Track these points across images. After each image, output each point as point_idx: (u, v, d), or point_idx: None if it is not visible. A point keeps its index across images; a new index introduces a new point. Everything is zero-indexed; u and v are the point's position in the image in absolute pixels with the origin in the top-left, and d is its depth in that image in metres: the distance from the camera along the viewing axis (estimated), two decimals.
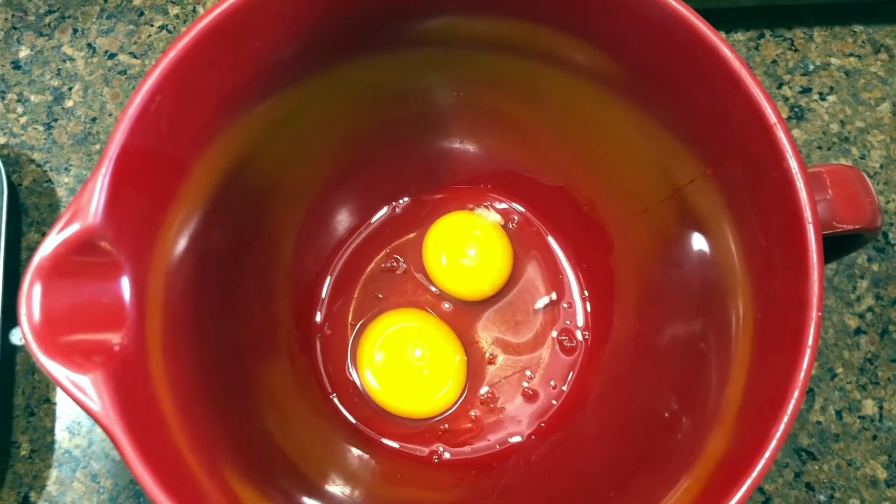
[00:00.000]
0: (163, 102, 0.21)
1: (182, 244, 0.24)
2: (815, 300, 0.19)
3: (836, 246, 0.23)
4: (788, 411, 0.19)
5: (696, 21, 0.21)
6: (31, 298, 0.19)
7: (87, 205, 0.20)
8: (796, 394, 0.19)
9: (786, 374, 0.19)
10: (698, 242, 0.24)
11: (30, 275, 0.19)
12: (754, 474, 0.18)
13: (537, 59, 0.25)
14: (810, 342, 0.19)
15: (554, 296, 0.30)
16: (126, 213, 0.21)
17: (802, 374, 0.19)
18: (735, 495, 0.18)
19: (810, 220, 0.20)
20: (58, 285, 0.20)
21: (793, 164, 0.20)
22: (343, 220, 0.30)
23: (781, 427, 0.18)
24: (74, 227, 0.20)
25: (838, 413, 0.30)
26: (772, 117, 0.20)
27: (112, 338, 0.20)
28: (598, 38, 0.23)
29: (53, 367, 0.19)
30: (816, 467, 0.30)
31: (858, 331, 0.31)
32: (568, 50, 0.24)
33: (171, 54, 0.21)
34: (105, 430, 0.19)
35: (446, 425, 0.29)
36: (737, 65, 0.21)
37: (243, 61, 0.23)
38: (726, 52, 0.21)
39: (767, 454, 0.18)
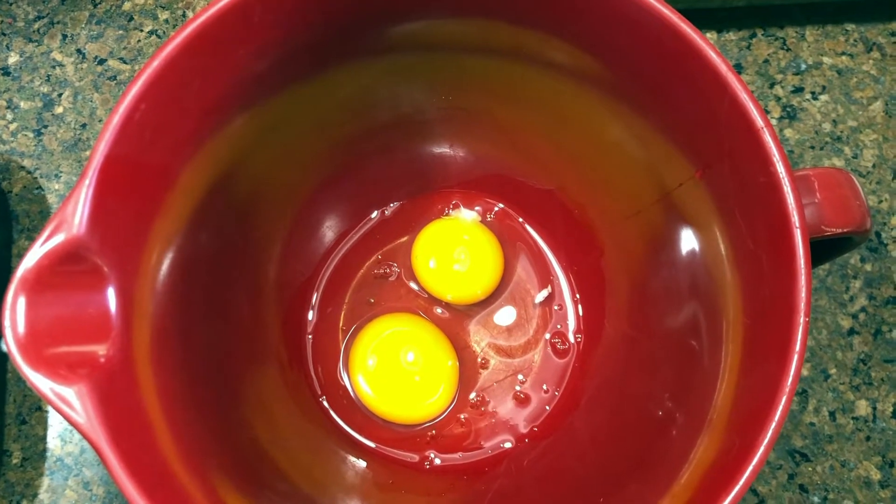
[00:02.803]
0: (147, 111, 0.21)
1: (169, 253, 0.23)
2: (802, 305, 0.19)
3: (825, 249, 0.23)
4: (776, 417, 0.18)
5: (683, 25, 0.21)
6: (16, 311, 0.19)
7: (71, 215, 0.20)
8: (784, 399, 0.19)
9: (774, 379, 0.19)
10: (688, 246, 0.24)
11: (13, 287, 0.19)
12: (742, 480, 0.18)
13: (525, 63, 0.25)
14: (798, 347, 0.19)
15: (549, 289, 0.30)
16: (111, 223, 0.21)
17: (790, 379, 0.19)
18: (724, 501, 0.18)
19: (797, 224, 0.19)
20: (42, 297, 0.20)
21: (780, 168, 0.20)
22: (332, 225, 0.30)
23: (769, 433, 0.18)
24: (59, 238, 0.20)
25: (832, 414, 0.30)
26: (759, 121, 0.20)
27: (97, 349, 0.20)
28: (585, 42, 0.23)
29: (38, 380, 0.19)
30: (810, 469, 0.30)
31: (852, 331, 0.31)
32: (556, 53, 0.24)
33: (155, 63, 0.21)
34: (90, 442, 0.19)
35: (433, 431, 0.29)
36: (723, 68, 0.20)
37: (228, 69, 0.22)
38: (713, 55, 0.20)
39: (756, 460, 0.18)
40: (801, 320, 0.19)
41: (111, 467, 0.19)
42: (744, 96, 0.20)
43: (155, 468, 0.20)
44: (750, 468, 0.18)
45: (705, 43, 0.21)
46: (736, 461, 0.19)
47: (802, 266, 0.19)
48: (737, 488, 0.18)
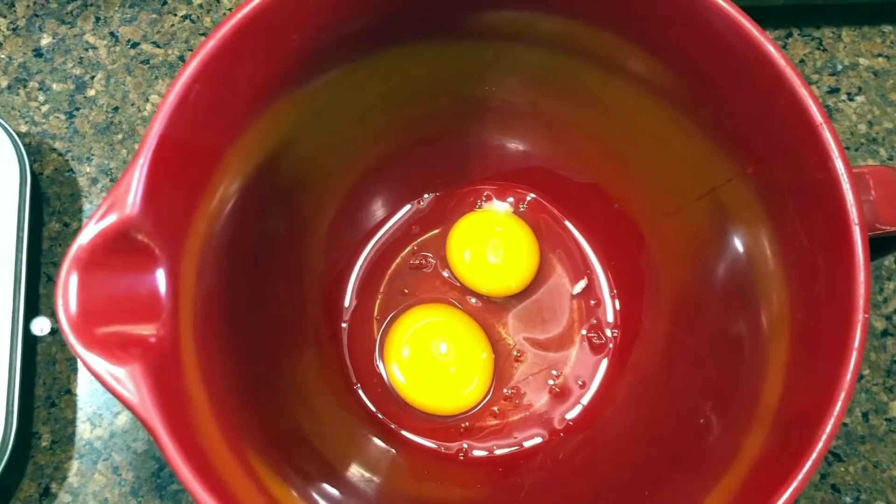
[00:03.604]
0: (201, 93, 0.21)
1: (213, 234, 0.23)
2: (861, 302, 0.19)
3: (875, 247, 0.23)
4: (835, 413, 0.18)
5: (741, 18, 0.21)
6: (68, 289, 0.19)
7: (124, 195, 0.20)
8: (843, 395, 0.19)
9: (831, 376, 0.19)
10: (733, 241, 0.24)
11: (66, 265, 0.19)
12: (801, 475, 0.18)
13: (572, 55, 0.24)
14: (857, 344, 0.19)
15: (586, 280, 0.30)
16: (162, 203, 0.21)
17: (849, 376, 0.19)
18: (783, 495, 0.18)
19: (856, 221, 0.19)
20: (94, 276, 0.19)
21: (839, 164, 0.20)
22: (370, 214, 0.30)
23: (828, 428, 0.18)
24: (112, 218, 0.20)
25: (864, 415, 0.30)
26: (817, 117, 0.20)
27: (148, 330, 0.20)
28: (640, 37, 0.23)
29: (92, 359, 0.19)
30: (842, 469, 0.29)
31: (885, 333, 0.31)
32: (606, 47, 0.24)
33: (210, 44, 0.21)
34: (143, 422, 0.19)
35: (467, 423, 0.29)
36: (782, 63, 0.20)
37: (280, 51, 0.22)
38: (771, 49, 0.20)
39: (814, 455, 0.18)
40: (861, 317, 0.19)
41: (165, 448, 0.18)
42: (802, 91, 0.20)
43: (203, 450, 0.20)
44: (809, 463, 0.18)
45: (763, 37, 0.20)
46: (793, 458, 0.18)
47: (861, 263, 0.19)
48: (795, 483, 0.18)
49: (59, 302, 0.19)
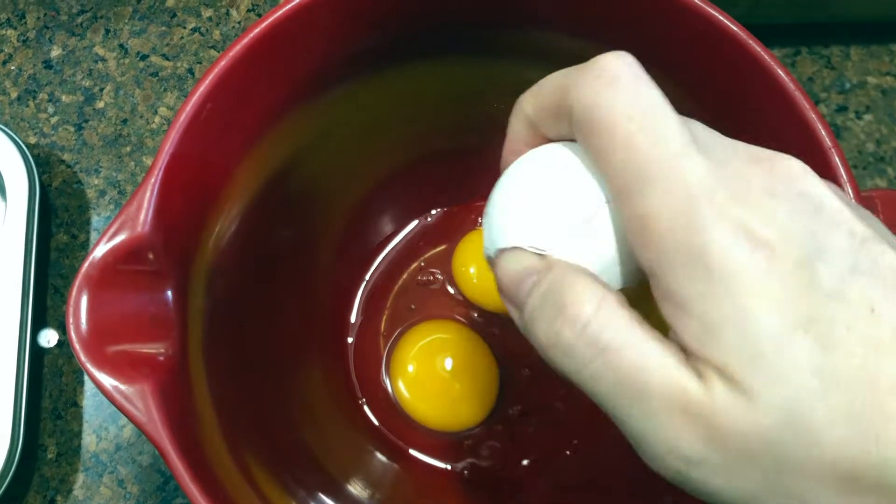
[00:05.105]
0: (212, 111, 0.21)
1: (222, 250, 0.23)
2: None
3: None
4: None
5: (750, 41, 0.21)
6: (79, 307, 0.19)
7: (136, 214, 0.20)
8: None
9: None
10: None
11: (78, 283, 0.19)
12: None
13: None
14: None
15: None
16: (173, 221, 0.21)
17: None
18: None
19: None
20: (105, 294, 0.19)
21: (847, 189, 0.20)
22: (378, 229, 0.30)
23: None
24: (123, 236, 0.20)
25: None
26: (826, 141, 0.20)
27: (158, 348, 0.20)
28: (651, 58, 0.23)
29: (102, 378, 0.19)
30: None
31: None
32: None
33: (223, 63, 0.21)
34: (152, 440, 0.19)
35: (471, 441, 0.29)
36: (791, 87, 0.20)
37: (292, 70, 0.22)
38: (780, 73, 0.20)
39: None
40: None
41: (174, 466, 0.18)
42: (812, 116, 0.20)
43: (211, 466, 0.20)
44: None
45: (772, 60, 0.20)
46: None
47: None
48: None
49: (70, 320, 0.19)
